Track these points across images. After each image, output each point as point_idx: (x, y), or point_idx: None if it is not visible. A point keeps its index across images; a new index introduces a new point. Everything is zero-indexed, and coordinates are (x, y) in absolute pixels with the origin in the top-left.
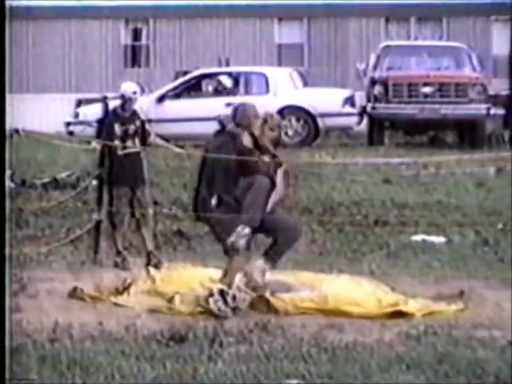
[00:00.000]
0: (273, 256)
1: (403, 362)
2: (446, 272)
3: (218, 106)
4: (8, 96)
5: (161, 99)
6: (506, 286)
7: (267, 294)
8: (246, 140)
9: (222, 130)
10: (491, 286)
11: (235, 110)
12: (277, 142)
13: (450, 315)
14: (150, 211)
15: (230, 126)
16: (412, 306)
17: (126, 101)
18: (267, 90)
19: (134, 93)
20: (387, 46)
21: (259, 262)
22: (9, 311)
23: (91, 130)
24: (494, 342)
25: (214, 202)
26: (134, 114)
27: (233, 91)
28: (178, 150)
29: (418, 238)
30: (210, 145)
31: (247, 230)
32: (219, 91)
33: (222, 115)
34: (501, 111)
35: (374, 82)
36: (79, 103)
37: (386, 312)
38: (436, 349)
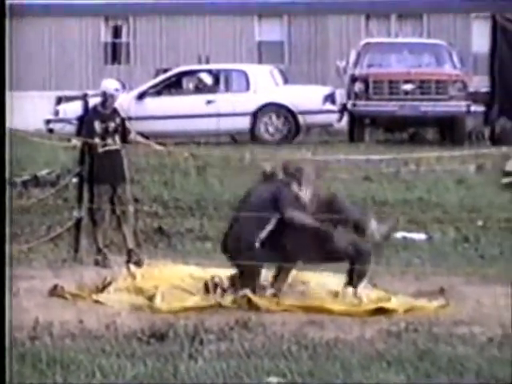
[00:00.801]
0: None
1: (384, 358)
2: (427, 269)
3: (198, 104)
4: None
5: (141, 96)
6: (487, 282)
7: (249, 293)
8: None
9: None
10: (471, 282)
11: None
12: None
13: (431, 311)
14: (131, 209)
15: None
16: (394, 302)
17: (106, 98)
18: (247, 88)
19: (117, 90)
20: (367, 44)
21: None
22: None
23: (71, 128)
24: (475, 338)
25: (257, 244)
26: (115, 111)
27: (213, 88)
28: (158, 147)
29: (399, 235)
30: (258, 190)
31: None
32: (199, 88)
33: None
34: (481, 108)
35: (354, 79)
36: (59, 101)
37: (368, 309)
38: (416, 346)
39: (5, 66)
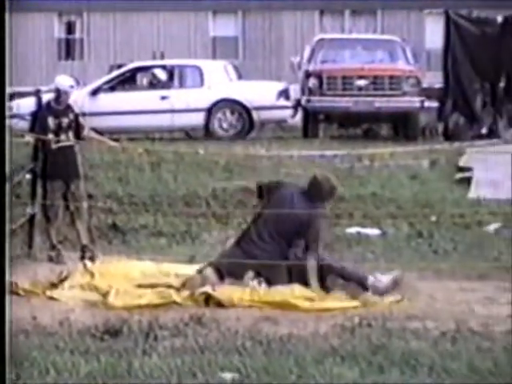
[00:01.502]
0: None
1: (338, 354)
2: (381, 264)
3: (152, 99)
4: None
5: (95, 92)
6: (440, 277)
7: (209, 289)
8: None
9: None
10: (425, 277)
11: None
12: None
13: (386, 306)
14: (85, 205)
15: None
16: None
17: (60, 94)
18: (202, 83)
19: (71, 86)
20: (321, 39)
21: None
22: None
23: (24, 124)
24: (428, 333)
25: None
26: (68, 107)
27: (167, 84)
28: (112, 143)
29: (353, 230)
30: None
31: None
32: (154, 84)
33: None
34: (434, 104)
35: (308, 74)
36: (12, 96)
37: (332, 306)
38: (370, 341)
39: (5, 62)
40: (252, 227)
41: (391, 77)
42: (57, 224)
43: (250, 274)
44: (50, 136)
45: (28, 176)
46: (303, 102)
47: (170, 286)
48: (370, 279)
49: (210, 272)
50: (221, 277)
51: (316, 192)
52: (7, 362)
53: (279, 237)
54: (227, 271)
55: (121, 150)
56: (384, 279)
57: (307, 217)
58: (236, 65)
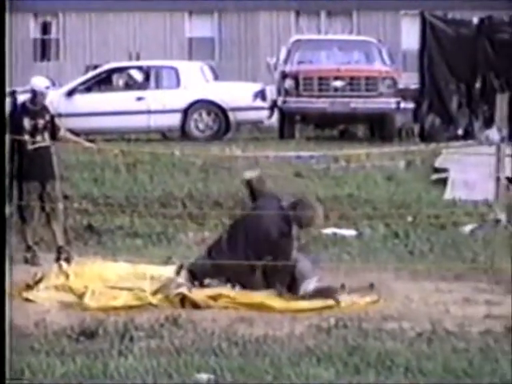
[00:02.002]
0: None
1: (314, 354)
2: (357, 264)
3: (128, 100)
4: None
5: (71, 93)
6: (416, 278)
7: (185, 291)
8: None
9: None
10: (401, 278)
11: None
12: None
13: (362, 307)
14: (60, 206)
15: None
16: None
17: (36, 95)
18: (178, 84)
19: (47, 88)
20: (298, 40)
21: None
22: None
23: None
24: (404, 333)
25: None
26: (44, 108)
27: (143, 85)
28: (87, 144)
29: (329, 231)
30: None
31: None
32: (130, 85)
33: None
34: (410, 105)
35: (284, 75)
36: None
37: (314, 307)
38: (346, 341)
39: (5, 64)
40: (224, 236)
41: (367, 78)
42: (32, 225)
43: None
44: (26, 137)
45: None
46: (279, 102)
47: (144, 291)
48: (306, 281)
49: (183, 277)
50: (193, 282)
51: (296, 215)
52: (7, 361)
53: (249, 250)
54: (199, 279)
55: (96, 151)
56: (311, 285)
57: (277, 237)
58: (212, 66)
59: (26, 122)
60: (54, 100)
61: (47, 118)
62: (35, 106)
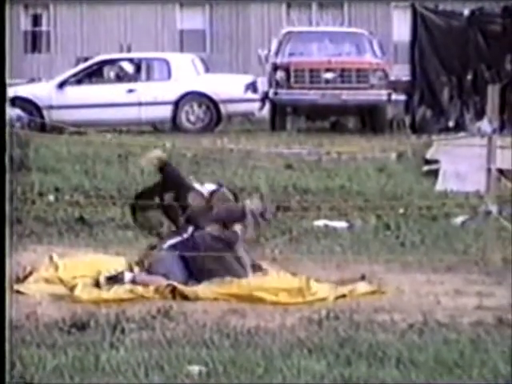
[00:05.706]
0: None
1: (305, 346)
2: (348, 256)
3: (119, 92)
4: None
5: (62, 85)
6: (407, 269)
7: (175, 282)
8: None
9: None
10: (392, 269)
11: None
12: None
13: (357, 297)
14: (51, 198)
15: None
16: (325, 290)
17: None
18: (169, 76)
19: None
20: (289, 32)
21: None
22: None
23: None
24: (395, 325)
25: None
26: None
27: (134, 77)
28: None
29: (320, 223)
30: None
31: None
32: (121, 77)
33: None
34: (402, 97)
35: (275, 67)
36: None
37: (306, 300)
38: (338, 333)
39: (5, 61)
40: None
41: (358, 70)
42: None
43: None
44: None
45: None
46: (271, 94)
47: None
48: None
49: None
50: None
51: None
52: (7, 361)
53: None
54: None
55: (88, 143)
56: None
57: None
58: (203, 58)
59: None
60: (45, 92)
61: None
62: None
